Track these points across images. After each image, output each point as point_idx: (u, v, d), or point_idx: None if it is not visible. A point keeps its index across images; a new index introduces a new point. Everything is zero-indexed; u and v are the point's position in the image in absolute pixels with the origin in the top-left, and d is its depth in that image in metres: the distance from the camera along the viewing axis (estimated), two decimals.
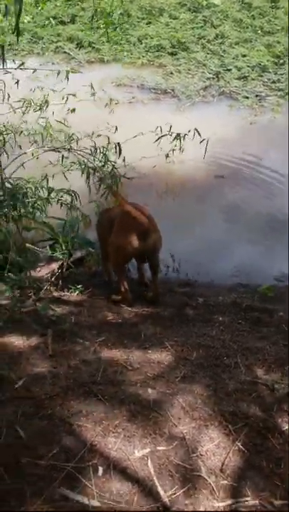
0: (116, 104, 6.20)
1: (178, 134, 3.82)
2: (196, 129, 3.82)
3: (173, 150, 3.82)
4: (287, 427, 1.90)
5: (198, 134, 3.82)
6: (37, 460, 1.71)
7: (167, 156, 3.92)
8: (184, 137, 3.77)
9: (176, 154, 3.85)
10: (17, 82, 3.62)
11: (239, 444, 1.80)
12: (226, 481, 1.65)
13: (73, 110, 4.02)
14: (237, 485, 1.64)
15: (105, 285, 3.55)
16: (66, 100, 3.88)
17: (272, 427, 1.88)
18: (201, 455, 1.75)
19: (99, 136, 3.91)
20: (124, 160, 3.80)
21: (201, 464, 1.71)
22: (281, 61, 7.14)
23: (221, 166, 5.06)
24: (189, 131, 3.77)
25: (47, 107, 3.95)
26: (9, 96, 3.80)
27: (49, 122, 4.29)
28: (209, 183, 4.91)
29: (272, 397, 2.08)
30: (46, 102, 3.90)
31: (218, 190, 4.81)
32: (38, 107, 3.90)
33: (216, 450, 1.78)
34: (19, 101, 3.92)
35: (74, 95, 3.94)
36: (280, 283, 3.78)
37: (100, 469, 1.69)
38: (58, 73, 3.67)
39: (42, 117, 4.18)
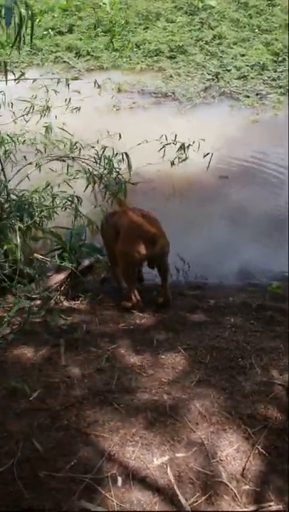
0: (117, 110, 6.24)
1: (182, 144, 3.84)
2: (202, 140, 3.84)
3: (179, 159, 3.83)
4: None
5: (203, 141, 3.84)
6: (55, 473, 1.69)
7: (173, 163, 3.93)
8: (188, 147, 3.79)
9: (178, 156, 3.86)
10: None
11: (259, 447, 1.77)
12: (248, 486, 1.62)
13: (78, 109, 4.00)
14: (260, 490, 1.60)
15: (115, 292, 3.52)
16: (69, 101, 3.88)
17: None
18: (221, 460, 1.72)
19: (103, 146, 3.91)
20: (129, 168, 3.81)
21: (222, 470, 1.68)
22: (280, 58, 7.12)
23: (225, 167, 5.03)
24: (194, 142, 3.80)
25: (49, 111, 3.95)
26: (12, 104, 3.82)
27: (50, 127, 4.31)
28: (214, 184, 4.89)
29: None
30: (48, 108, 3.91)
31: (222, 191, 4.79)
32: (41, 112, 3.90)
33: (236, 454, 1.75)
34: (23, 109, 3.93)
35: (78, 92, 3.93)
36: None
37: (119, 479, 1.66)
38: (58, 82, 3.68)
39: (45, 124, 4.19)
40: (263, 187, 4.82)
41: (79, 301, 3.30)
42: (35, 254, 3.27)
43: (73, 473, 1.69)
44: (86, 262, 3.66)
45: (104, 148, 3.83)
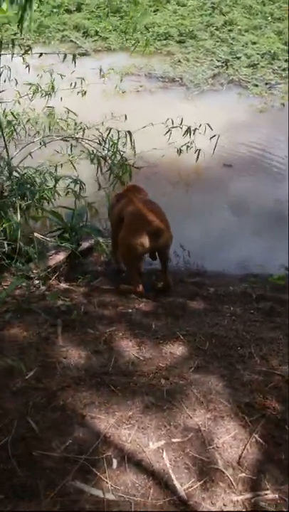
0: (123, 93, 6.13)
1: (188, 128, 3.77)
2: (207, 124, 3.77)
3: (187, 147, 3.77)
4: None
5: (210, 127, 3.77)
6: (50, 452, 1.67)
7: (180, 151, 3.87)
8: (194, 131, 3.72)
9: (185, 143, 3.79)
10: (28, 67, 3.54)
11: (256, 436, 1.75)
12: (244, 474, 1.60)
13: (84, 93, 3.92)
14: (256, 478, 1.59)
15: (115, 275, 3.49)
16: (75, 85, 3.80)
17: None
18: (218, 447, 1.70)
19: (107, 128, 3.84)
20: (134, 149, 3.74)
21: (218, 457, 1.67)
22: None
23: (230, 155, 4.97)
24: (200, 125, 3.73)
25: (55, 92, 3.87)
26: (16, 82, 3.73)
27: (53, 112, 4.22)
28: (218, 171, 4.83)
29: None
30: (53, 87, 3.82)
31: (226, 179, 4.74)
32: (46, 93, 3.82)
33: (233, 442, 1.73)
34: (28, 84, 3.84)
35: (83, 79, 3.85)
36: None
37: (115, 462, 1.64)
38: (65, 57, 3.59)
39: (48, 106, 4.11)
40: (267, 177, 4.77)
41: (77, 283, 3.27)
42: (35, 234, 3.22)
43: (68, 453, 1.67)
44: (86, 244, 3.62)
45: (110, 129, 3.75)
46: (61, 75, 3.84)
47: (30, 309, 2.71)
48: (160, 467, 1.63)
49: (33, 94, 3.76)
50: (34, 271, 3.20)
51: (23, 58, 3.49)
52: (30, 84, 3.80)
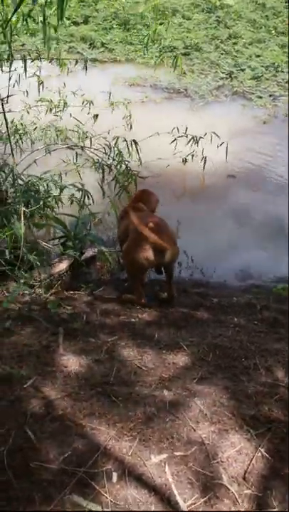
0: (128, 103, 6.15)
1: (193, 137, 3.76)
2: (213, 132, 3.77)
3: (192, 155, 3.76)
4: None
5: (217, 135, 3.76)
6: (47, 464, 1.61)
7: (185, 160, 3.86)
8: (198, 140, 3.72)
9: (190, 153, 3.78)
10: (41, 83, 3.56)
11: (262, 450, 1.68)
12: (249, 490, 1.54)
13: (96, 116, 3.95)
14: (261, 495, 1.52)
15: (117, 284, 3.45)
16: (84, 104, 3.82)
17: None
18: (222, 461, 1.64)
19: (114, 137, 3.84)
20: (140, 159, 3.74)
21: (222, 471, 1.60)
22: None
23: (233, 166, 4.95)
24: (205, 134, 3.73)
25: (66, 108, 3.89)
26: (27, 93, 3.75)
27: (60, 119, 4.23)
28: (221, 182, 4.81)
29: None
30: (65, 103, 3.85)
31: (229, 191, 4.71)
32: (56, 106, 3.84)
33: (238, 456, 1.67)
34: (40, 100, 3.88)
35: (92, 102, 3.88)
36: None
37: (114, 475, 1.58)
38: (76, 62, 3.61)
39: (56, 115, 4.13)
40: (269, 189, 4.74)
41: (80, 291, 3.23)
42: (39, 241, 3.19)
43: (66, 465, 1.61)
44: (90, 253, 3.59)
45: (117, 138, 3.75)
46: (74, 93, 3.87)
47: (32, 317, 2.67)
48: (162, 482, 1.57)
49: (48, 110, 3.78)
50: (36, 278, 3.16)
51: (38, 77, 3.51)
52: (41, 100, 3.83)
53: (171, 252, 2.98)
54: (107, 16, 8.24)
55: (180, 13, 8.34)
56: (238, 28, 7.80)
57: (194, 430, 1.79)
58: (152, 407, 1.91)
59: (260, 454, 1.67)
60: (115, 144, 3.77)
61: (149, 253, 2.93)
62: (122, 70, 7.05)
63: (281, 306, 3.21)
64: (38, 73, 3.70)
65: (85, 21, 8.31)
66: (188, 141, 3.68)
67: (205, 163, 3.76)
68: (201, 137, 3.71)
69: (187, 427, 1.80)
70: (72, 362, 2.22)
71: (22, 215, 3.12)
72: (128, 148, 3.83)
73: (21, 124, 3.99)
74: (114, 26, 8.04)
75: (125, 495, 1.52)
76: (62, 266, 3.36)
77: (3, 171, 3.52)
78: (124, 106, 5.04)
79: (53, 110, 3.91)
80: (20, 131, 3.96)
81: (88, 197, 3.63)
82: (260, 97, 6.34)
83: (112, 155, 3.82)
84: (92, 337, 2.51)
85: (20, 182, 3.42)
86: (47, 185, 3.56)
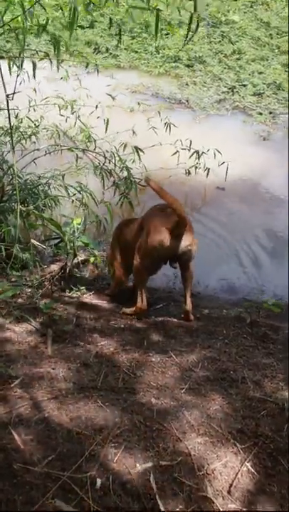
0: (131, 111, 6.17)
1: (196, 151, 3.79)
2: (216, 150, 3.79)
3: (195, 167, 3.77)
4: None
5: (219, 152, 3.79)
6: (31, 467, 1.58)
7: (188, 173, 3.87)
8: (201, 155, 3.74)
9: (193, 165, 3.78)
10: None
11: (248, 464, 1.67)
12: (234, 505, 1.52)
13: (107, 121, 3.94)
14: (246, 510, 1.51)
15: (108, 288, 3.43)
16: (96, 107, 3.85)
17: (284, 450, 1.75)
18: (208, 474, 1.63)
19: (121, 143, 3.85)
20: (144, 166, 3.74)
21: (208, 484, 1.59)
22: None
23: (227, 179, 4.96)
24: (208, 150, 3.74)
25: (75, 113, 3.90)
26: (35, 91, 3.74)
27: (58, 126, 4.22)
28: (210, 193, 4.83)
29: (282, 416, 1.95)
30: (72, 105, 3.85)
31: (217, 202, 4.72)
32: (64, 107, 3.84)
33: (223, 470, 1.66)
34: (45, 98, 3.87)
35: (96, 107, 3.90)
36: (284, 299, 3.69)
37: (99, 481, 1.56)
38: (87, 66, 3.62)
39: (61, 115, 4.11)
40: (259, 204, 4.77)
41: (71, 294, 3.20)
42: (32, 241, 3.16)
43: (50, 469, 1.58)
44: (83, 255, 3.57)
45: (125, 144, 3.75)
46: (87, 95, 3.88)
47: (21, 317, 2.64)
48: (146, 491, 1.55)
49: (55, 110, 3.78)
50: (27, 278, 3.13)
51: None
52: (47, 99, 3.82)
53: (188, 238, 2.80)
54: (113, 23, 8.28)
55: (185, 25, 8.41)
56: (241, 45, 7.90)
57: (181, 440, 1.77)
58: (139, 415, 1.89)
59: (246, 468, 1.66)
60: (123, 148, 3.77)
61: (164, 236, 2.74)
62: (125, 76, 7.08)
63: (271, 321, 3.21)
64: (44, 75, 3.70)
65: (91, 25, 8.34)
66: (191, 155, 3.71)
67: (208, 173, 3.76)
68: (203, 152, 3.73)
69: (174, 437, 1.79)
70: (60, 364, 2.20)
71: (18, 213, 3.10)
72: (135, 154, 3.82)
73: (21, 121, 3.97)
74: (120, 33, 8.07)
75: (108, 502, 1.50)
76: (55, 267, 3.34)
77: (2, 168, 3.50)
78: (127, 112, 5.06)
79: (59, 110, 3.89)
80: (22, 130, 3.94)
81: (94, 199, 3.61)
82: (261, 114, 6.41)
83: (113, 160, 3.82)
84: (81, 340, 2.49)
85: (19, 180, 3.39)
86: (46, 184, 3.55)
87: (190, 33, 2.32)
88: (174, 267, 3.04)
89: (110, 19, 3.46)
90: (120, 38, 7.16)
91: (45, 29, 2.90)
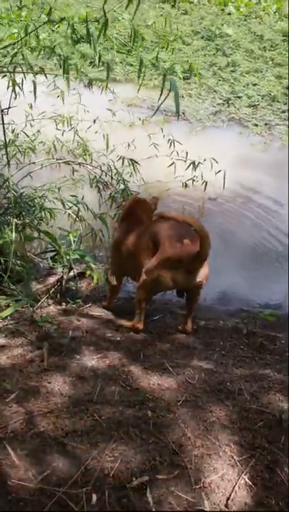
0: (130, 126, 6.21)
1: (193, 162, 3.81)
2: (213, 159, 3.82)
3: (192, 180, 3.79)
4: None
5: (216, 161, 3.81)
6: (26, 482, 1.57)
7: (185, 185, 3.88)
8: (198, 165, 3.76)
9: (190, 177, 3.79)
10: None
11: (246, 477, 1.66)
12: None
13: (107, 138, 3.97)
14: None
15: (104, 299, 3.42)
16: (94, 121, 3.86)
17: (282, 461, 1.74)
18: (205, 487, 1.61)
19: (119, 156, 3.87)
20: (142, 179, 3.76)
21: (205, 497, 1.57)
22: None
23: (220, 189, 4.97)
24: (205, 160, 3.78)
25: (70, 124, 3.92)
26: (31, 106, 3.77)
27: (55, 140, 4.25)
28: (204, 205, 4.85)
29: (280, 428, 1.94)
30: (69, 120, 3.88)
31: (208, 213, 4.74)
32: (61, 122, 3.87)
33: (221, 483, 1.64)
34: (42, 113, 3.90)
35: (94, 121, 3.92)
36: (281, 310, 3.70)
37: (94, 497, 1.54)
38: (90, 83, 3.66)
39: (58, 129, 4.14)
40: (252, 216, 4.79)
41: (67, 307, 3.20)
42: (28, 254, 3.17)
43: (45, 484, 1.57)
44: (79, 268, 3.56)
45: (123, 158, 3.77)
46: (85, 110, 3.92)
47: (17, 330, 2.63)
48: (143, 505, 1.53)
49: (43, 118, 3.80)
50: (22, 292, 3.12)
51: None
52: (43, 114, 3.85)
53: (204, 272, 2.61)
54: (108, 36, 8.39)
55: (180, 38, 8.53)
56: (236, 57, 8.00)
57: (177, 453, 1.76)
58: (135, 428, 1.88)
59: (243, 480, 1.65)
60: (122, 162, 3.79)
61: (179, 273, 2.55)
62: (121, 89, 7.13)
63: (267, 331, 3.21)
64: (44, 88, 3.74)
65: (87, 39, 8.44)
66: (188, 167, 3.72)
67: (206, 186, 3.78)
68: (200, 163, 3.75)
69: (170, 450, 1.77)
70: (55, 378, 2.19)
71: (14, 226, 3.11)
72: (132, 167, 3.83)
73: (18, 135, 3.99)
74: (115, 47, 8.17)
75: None
76: (51, 280, 3.33)
77: None
78: (124, 125, 5.10)
79: (56, 125, 3.92)
80: (17, 143, 3.96)
81: (90, 210, 3.61)
82: (256, 125, 6.47)
83: (109, 173, 3.84)
84: (77, 353, 2.48)
85: (14, 193, 3.40)
86: (42, 197, 3.56)
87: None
88: (180, 297, 2.94)
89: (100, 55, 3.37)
90: (108, 75, 7.27)
91: (54, 51, 2.92)
